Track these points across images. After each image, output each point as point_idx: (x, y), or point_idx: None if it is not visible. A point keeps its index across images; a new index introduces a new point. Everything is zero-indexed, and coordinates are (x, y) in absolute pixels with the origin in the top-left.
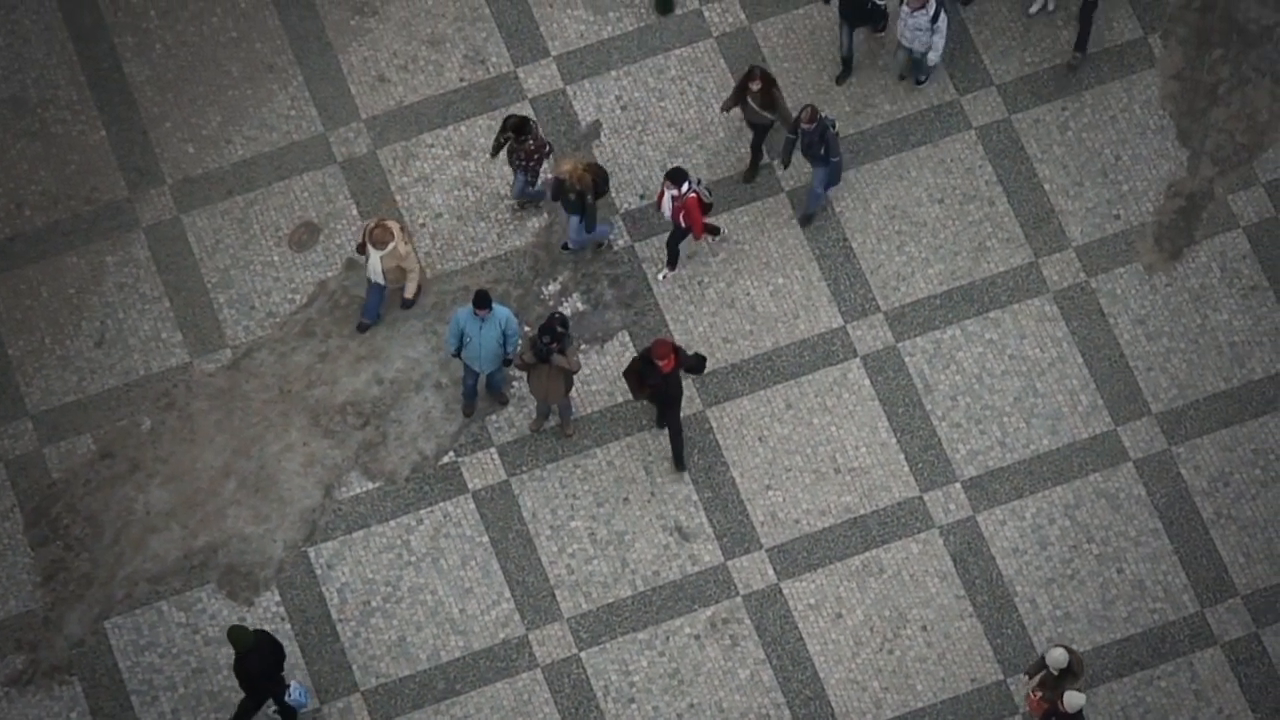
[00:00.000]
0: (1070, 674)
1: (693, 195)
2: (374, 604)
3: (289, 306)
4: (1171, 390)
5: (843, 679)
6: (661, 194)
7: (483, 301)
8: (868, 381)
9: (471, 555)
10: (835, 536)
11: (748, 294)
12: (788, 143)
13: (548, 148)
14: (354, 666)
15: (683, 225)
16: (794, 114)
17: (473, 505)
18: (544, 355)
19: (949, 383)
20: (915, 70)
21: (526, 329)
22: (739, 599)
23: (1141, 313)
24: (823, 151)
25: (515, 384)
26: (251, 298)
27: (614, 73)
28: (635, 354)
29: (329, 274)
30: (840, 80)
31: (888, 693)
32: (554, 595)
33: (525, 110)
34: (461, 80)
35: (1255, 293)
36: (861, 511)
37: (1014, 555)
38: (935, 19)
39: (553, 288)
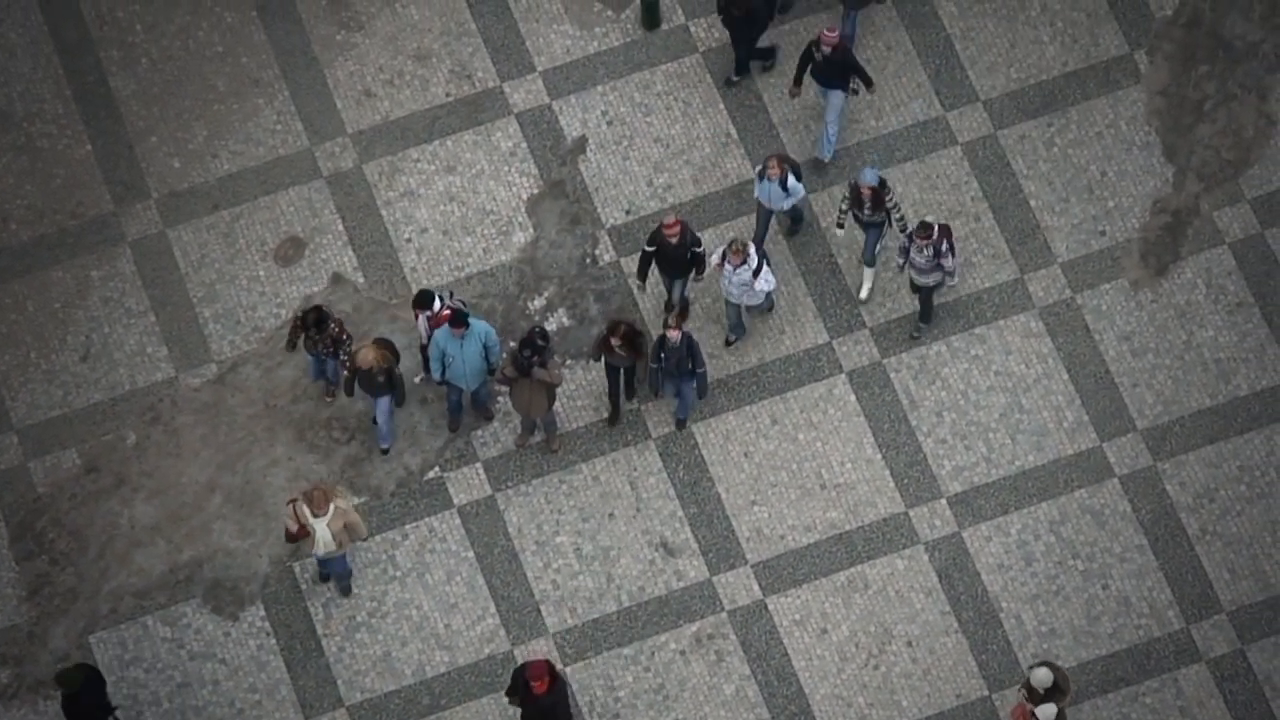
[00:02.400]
0: (1057, 691)
1: (446, 312)
2: (359, 619)
3: (274, 321)
4: (1157, 406)
5: (828, 694)
6: (416, 317)
7: (460, 320)
8: (853, 397)
9: (457, 570)
10: (821, 552)
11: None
12: (652, 372)
13: (346, 333)
14: (339, 681)
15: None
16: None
17: (458, 520)
18: (525, 369)
19: (934, 399)
20: (731, 326)
21: (512, 345)
22: (724, 614)
23: (1127, 329)
24: (690, 365)
25: (500, 399)
26: (237, 312)
27: (600, 88)
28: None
29: (314, 289)
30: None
31: (873, 708)
32: (539, 610)
33: (512, 126)
34: (447, 95)
35: (1240, 309)
36: (847, 527)
37: (999, 571)
38: (758, 272)
39: (538, 303)
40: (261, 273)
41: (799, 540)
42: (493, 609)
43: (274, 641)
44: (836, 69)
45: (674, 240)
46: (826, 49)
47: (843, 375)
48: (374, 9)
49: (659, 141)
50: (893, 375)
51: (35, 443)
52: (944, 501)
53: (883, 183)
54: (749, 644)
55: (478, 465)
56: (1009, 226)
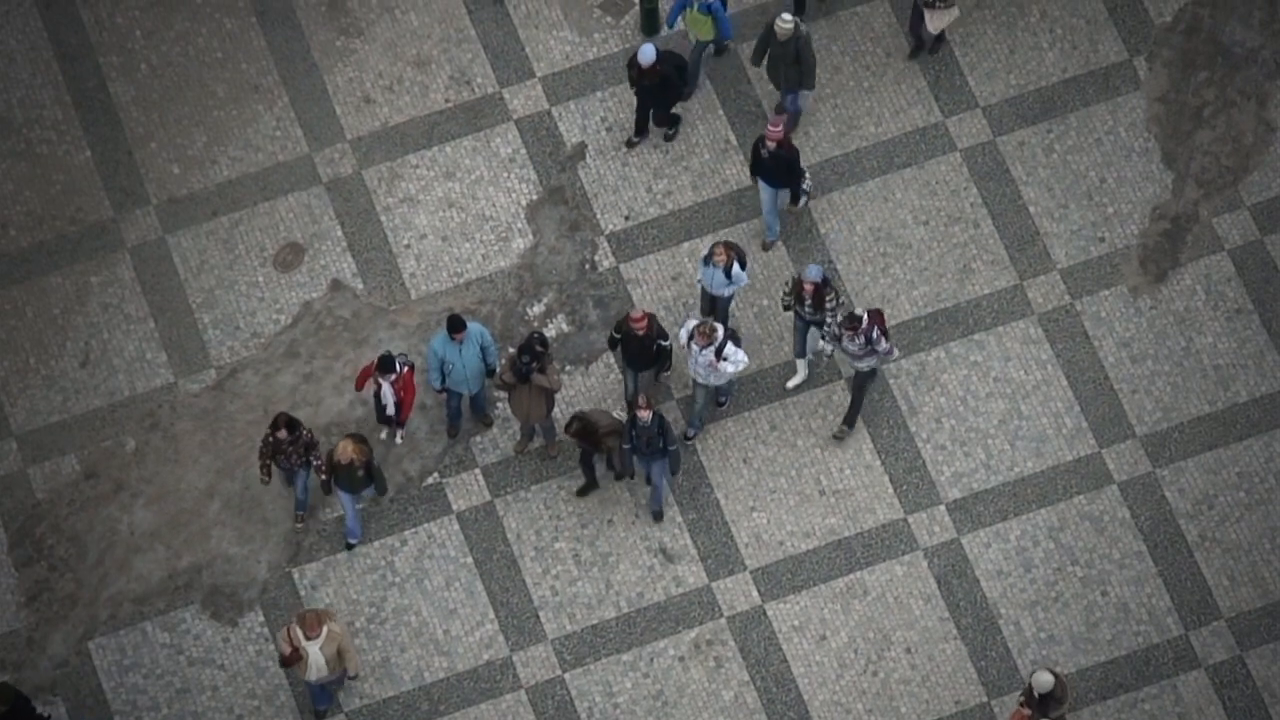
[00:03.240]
0: (1055, 700)
1: (408, 370)
2: (358, 625)
3: (274, 327)
4: (1156, 413)
5: (827, 701)
6: (379, 386)
7: (457, 325)
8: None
9: (456, 576)
10: (820, 558)
11: (732, 316)
12: (624, 452)
13: (315, 437)
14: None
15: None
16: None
17: (457, 526)
18: (524, 375)
19: (934, 405)
20: (692, 415)
21: (511, 351)
22: (723, 621)
23: (1126, 335)
24: (661, 444)
25: (499, 405)
26: (236, 318)
27: (599, 94)
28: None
29: (314, 295)
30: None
31: (872, 715)
32: (538, 616)
33: (512, 132)
34: (447, 101)
35: (1240, 316)
36: (846, 533)
37: (998, 578)
38: (720, 351)
39: (537, 309)
40: (261, 279)
41: (798, 546)
42: (491, 615)
43: (273, 648)
44: (783, 167)
45: (639, 332)
46: (771, 144)
47: (841, 381)
48: (373, 15)
49: (658, 148)
50: (891, 381)
51: (34, 449)
52: (943, 508)
53: (826, 281)
54: (748, 650)
55: (477, 471)
56: (1008, 233)
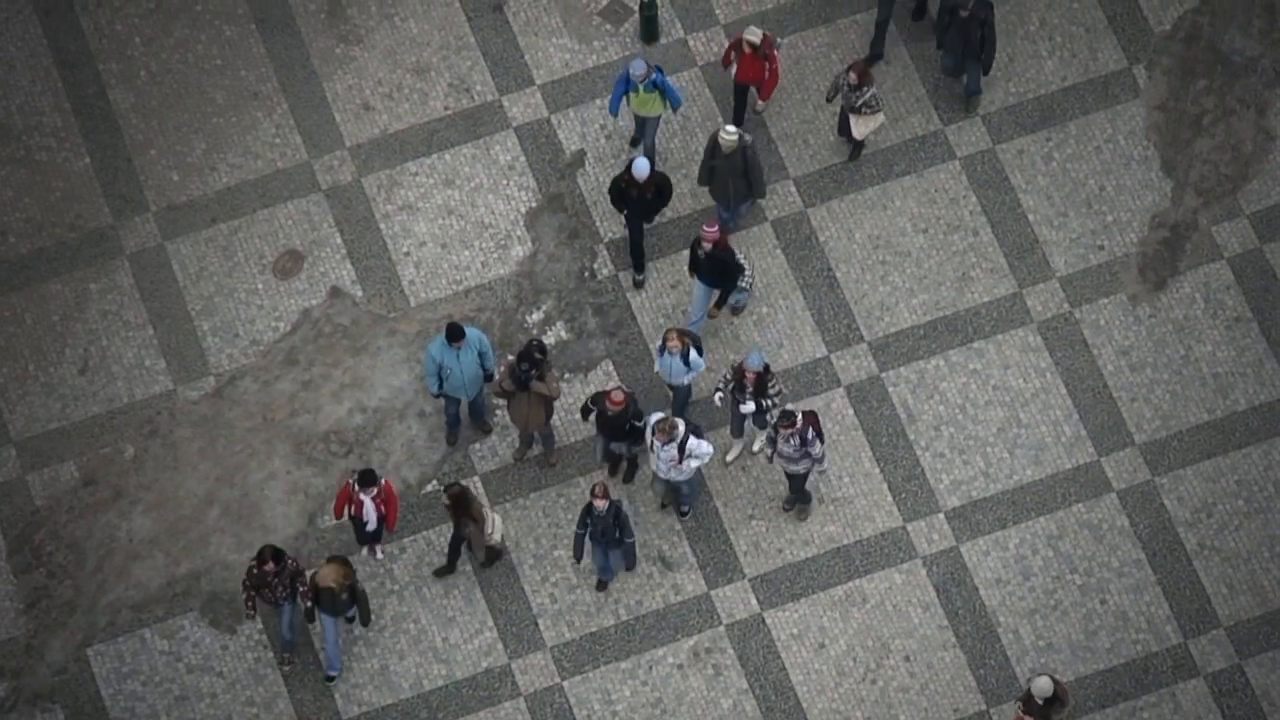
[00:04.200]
0: (1057, 702)
1: (387, 482)
2: (356, 632)
3: (273, 334)
4: (1155, 421)
5: (825, 709)
6: (360, 503)
7: (456, 334)
8: (851, 411)
9: (454, 584)
10: (818, 566)
11: (732, 323)
12: (577, 537)
13: (301, 567)
14: (336, 695)
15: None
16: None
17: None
18: (523, 382)
19: (933, 413)
20: (676, 500)
21: (510, 358)
22: (722, 628)
23: (1125, 344)
24: (618, 534)
25: (498, 413)
26: (235, 325)
27: (599, 101)
28: (617, 384)
29: (313, 302)
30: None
31: None
32: (537, 624)
33: (511, 139)
34: (446, 109)
35: (1239, 324)
36: (845, 541)
37: (997, 586)
38: (682, 446)
39: (536, 316)
40: (260, 286)
41: (797, 554)
42: (490, 623)
43: (271, 655)
44: (719, 268)
45: (613, 411)
46: (707, 245)
47: (841, 389)
48: (373, 22)
49: (657, 155)
50: (891, 389)
51: (33, 455)
52: (942, 516)
53: (767, 368)
54: (746, 658)
55: (475, 479)
56: (1007, 241)
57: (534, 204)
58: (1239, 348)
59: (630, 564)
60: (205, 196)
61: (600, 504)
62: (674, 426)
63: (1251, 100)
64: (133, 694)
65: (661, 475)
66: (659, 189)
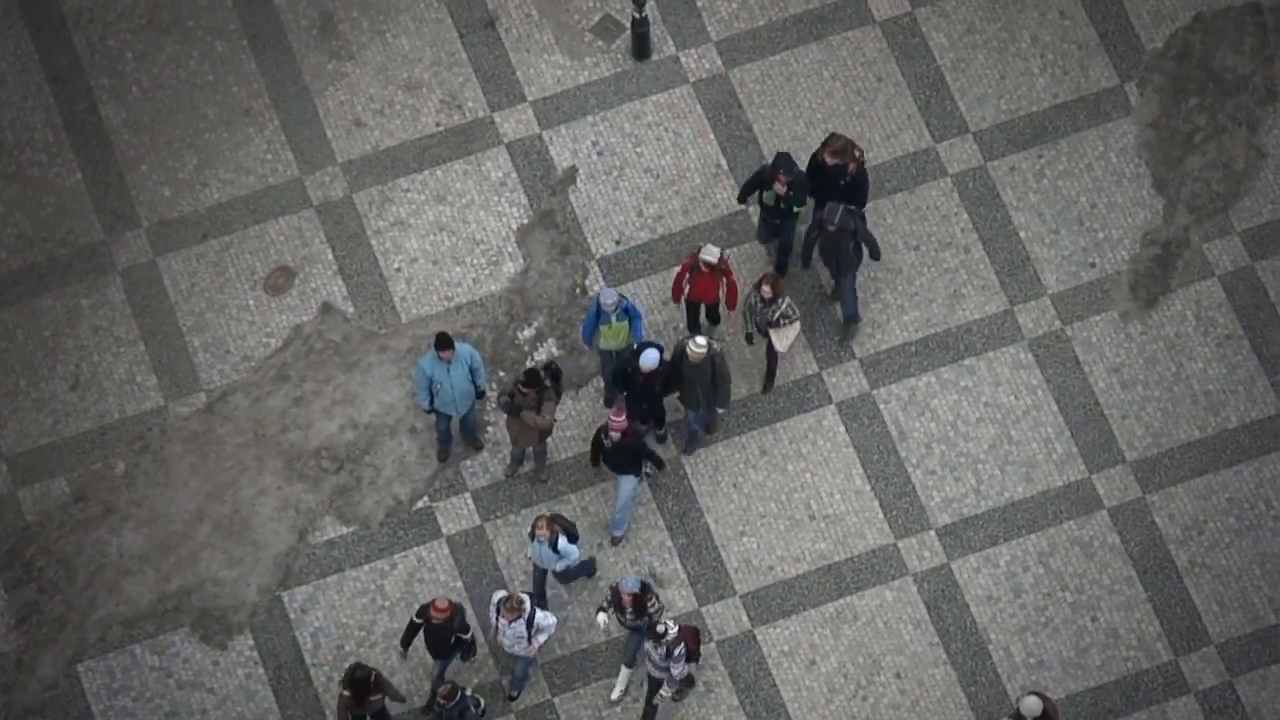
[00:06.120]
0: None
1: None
2: (348, 648)
3: (264, 350)
4: (1146, 439)
5: None
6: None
7: (445, 342)
8: (843, 428)
9: (446, 596)
10: (809, 583)
11: (723, 340)
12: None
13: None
14: (327, 712)
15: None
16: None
17: (447, 550)
18: (512, 408)
19: (924, 430)
20: (514, 679)
21: (517, 375)
22: (713, 645)
23: (1116, 361)
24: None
25: (490, 429)
26: (226, 341)
27: (590, 118)
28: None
29: (304, 318)
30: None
31: None
32: None
33: (502, 156)
34: (438, 125)
35: (1230, 341)
36: (836, 558)
37: (988, 603)
38: (530, 623)
39: (527, 333)
40: (251, 302)
41: (788, 571)
42: (481, 640)
43: (262, 671)
44: (628, 455)
45: (438, 621)
46: (615, 434)
47: (832, 406)
48: (364, 38)
49: (649, 172)
50: (882, 406)
51: (24, 471)
52: (933, 533)
53: (645, 588)
54: (737, 675)
55: (467, 495)
56: (999, 258)
57: (525, 220)
58: (1230, 365)
59: (524, 681)
60: (197, 212)
61: (446, 703)
62: (520, 603)
63: (1243, 118)
64: (123, 710)
65: (506, 650)
66: (667, 380)
